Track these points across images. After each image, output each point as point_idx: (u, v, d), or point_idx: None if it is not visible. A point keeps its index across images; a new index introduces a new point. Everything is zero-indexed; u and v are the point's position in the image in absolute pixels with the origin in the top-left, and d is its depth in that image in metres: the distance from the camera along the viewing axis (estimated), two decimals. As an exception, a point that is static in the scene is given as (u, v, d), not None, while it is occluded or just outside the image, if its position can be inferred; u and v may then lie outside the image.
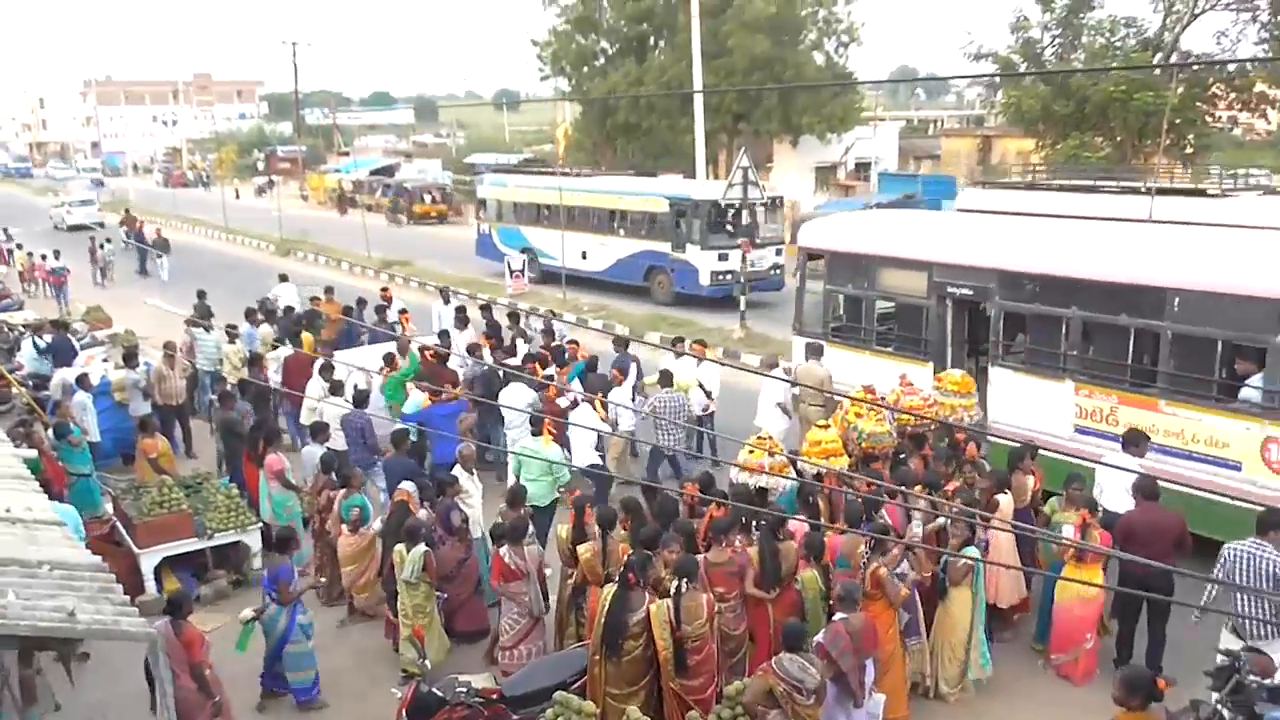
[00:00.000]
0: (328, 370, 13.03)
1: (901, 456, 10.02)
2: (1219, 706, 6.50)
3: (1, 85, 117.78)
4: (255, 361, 14.21)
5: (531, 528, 8.94)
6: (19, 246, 31.49)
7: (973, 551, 8.17)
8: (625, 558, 7.70)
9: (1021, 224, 12.67)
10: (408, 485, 9.65)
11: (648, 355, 15.32)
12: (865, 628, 7.06)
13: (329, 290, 18.94)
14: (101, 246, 30.80)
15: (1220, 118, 27.87)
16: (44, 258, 27.89)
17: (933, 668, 8.26)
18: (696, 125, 29.90)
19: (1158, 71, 25.01)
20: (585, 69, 43.62)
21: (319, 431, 11.26)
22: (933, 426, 10.53)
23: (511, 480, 10.61)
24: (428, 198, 46.32)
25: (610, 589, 7.39)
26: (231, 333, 15.61)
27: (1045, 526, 8.74)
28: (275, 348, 15.29)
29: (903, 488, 8.78)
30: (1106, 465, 9.04)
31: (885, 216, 17.11)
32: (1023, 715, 8.20)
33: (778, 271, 24.25)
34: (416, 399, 12.47)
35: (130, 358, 14.41)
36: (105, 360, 15.83)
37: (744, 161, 22.61)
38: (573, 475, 10.51)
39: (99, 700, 8.38)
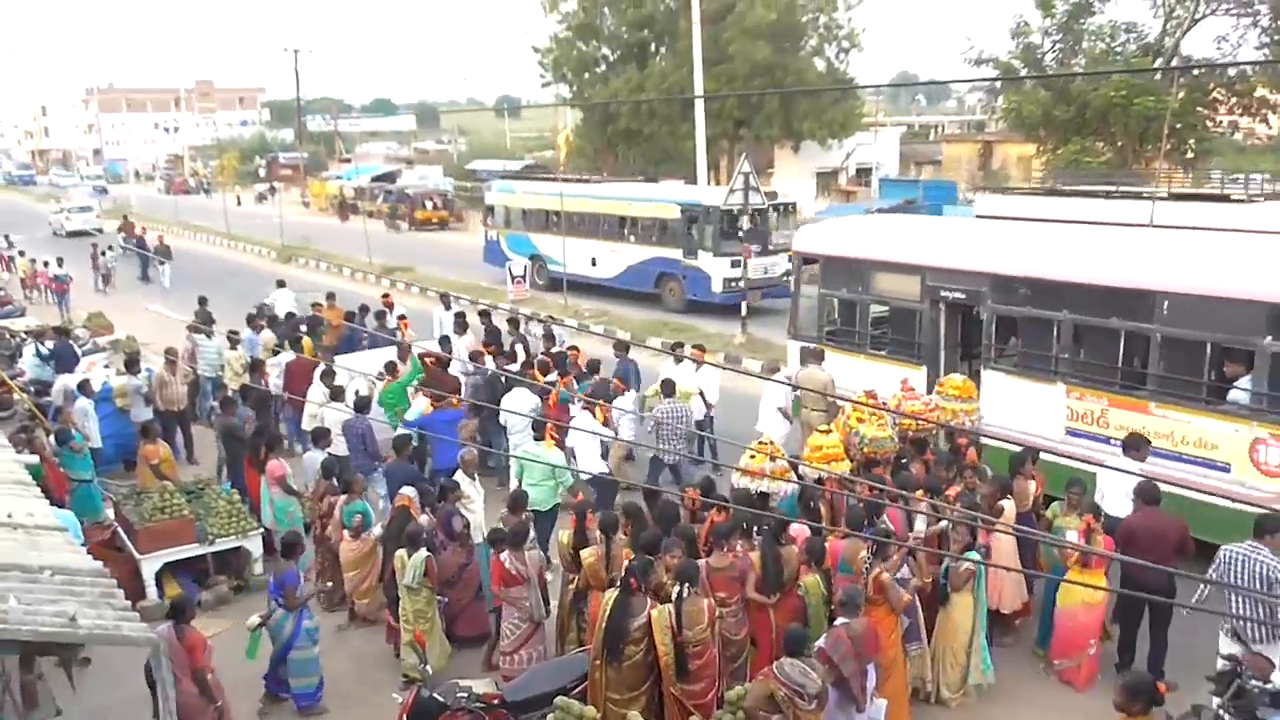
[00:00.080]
0: (329, 376, 13.04)
1: (903, 461, 10.02)
2: (1220, 711, 6.50)
3: (4, 92, 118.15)
4: (256, 367, 14.22)
5: (533, 533, 8.93)
6: (21, 253, 31.54)
7: (974, 556, 8.16)
8: (627, 563, 7.69)
9: (1015, 228, 12.74)
10: (409, 490, 9.66)
11: (648, 361, 15.33)
12: (867, 633, 7.05)
13: (330, 296, 18.97)
14: (104, 253, 30.87)
15: (1221, 123, 27.90)
16: (46, 264, 27.94)
17: (934, 673, 8.25)
18: (698, 131, 29.93)
19: (1158, 76, 25.03)
20: (586, 75, 43.74)
21: (320, 437, 11.27)
22: (934, 431, 10.54)
23: (514, 484, 10.62)
24: (429, 204, 46.34)
25: (611, 594, 7.38)
26: (233, 339, 15.64)
27: (1047, 531, 8.74)
28: (276, 353, 15.31)
29: (904, 492, 8.78)
30: (1105, 468, 9.05)
31: (879, 221, 17.19)
32: (1024, 720, 8.20)
33: (790, 278, 24.11)
34: (419, 406, 12.47)
35: (132, 364, 14.43)
36: (107, 366, 15.84)
37: (745, 167, 22.58)
38: (575, 478, 10.51)
39: (100, 705, 8.38)
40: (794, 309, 14.38)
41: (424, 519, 9.11)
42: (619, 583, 7.47)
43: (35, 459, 10.22)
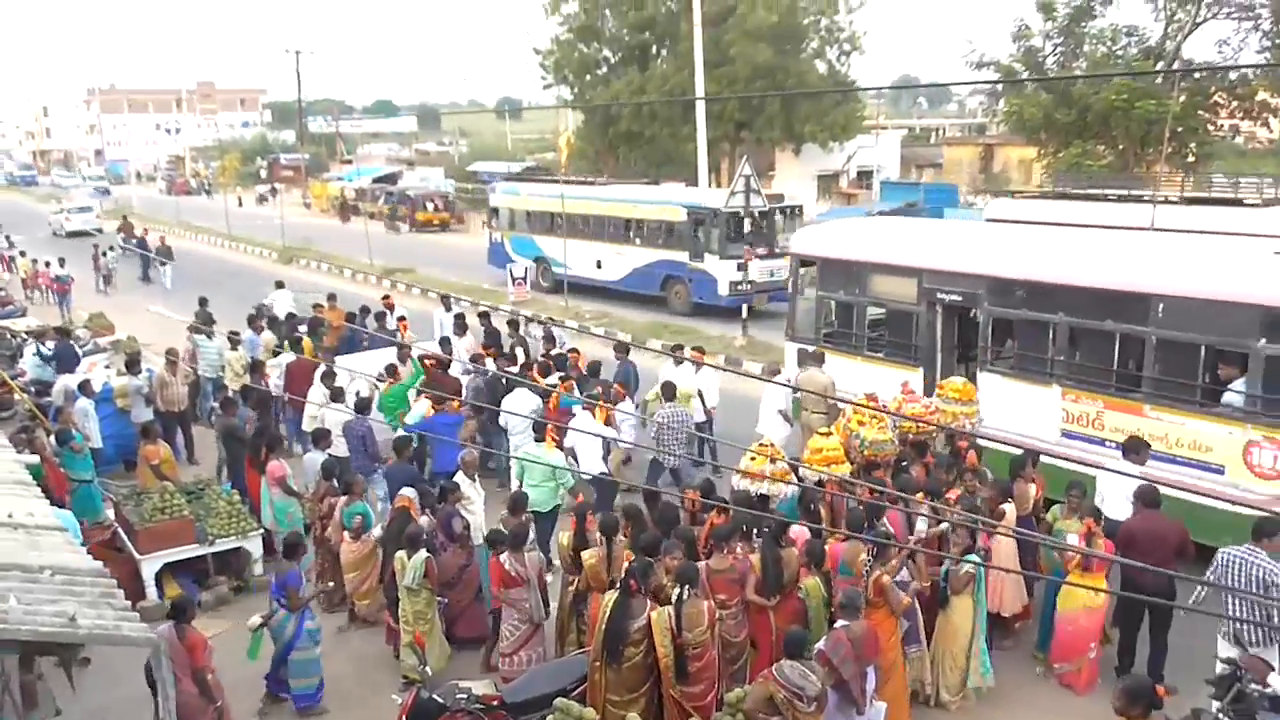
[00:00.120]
0: (329, 377, 13.05)
1: (903, 464, 10.03)
2: (1220, 715, 6.50)
3: (5, 93, 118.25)
4: (257, 368, 14.23)
5: (533, 534, 8.92)
6: (22, 253, 31.57)
7: (974, 559, 8.16)
8: (627, 564, 7.69)
9: (1011, 231, 12.78)
10: (408, 491, 9.66)
11: (648, 363, 15.33)
12: (867, 635, 7.05)
13: (332, 297, 18.99)
14: (105, 254, 30.89)
15: (1222, 126, 27.93)
16: (47, 265, 27.96)
17: (934, 676, 8.25)
18: (699, 133, 29.92)
19: (1159, 79, 25.03)
20: (588, 77, 43.76)
21: (321, 438, 11.27)
22: (934, 434, 10.55)
23: (515, 485, 10.63)
24: (430, 205, 46.37)
25: (611, 596, 7.38)
26: (233, 339, 15.65)
27: (1048, 534, 8.75)
28: (276, 354, 15.31)
29: (904, 495, 8.78)
30: (1105, 470, 9.05)
31: (876, 223, 17.26)
32: (1024, 723, 8.19)
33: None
34: (420, 409, 12.47)
35: (132, 364, 14.44)
36: (108, 367, 15.85)
37: (746, 170, 22.56)
38: (575, 480, 10.51)
39: (99, 705, 8.38)
40: (792, 311, 14.43)
41: (424, 520, 9.12)
42: (619, 584, 7.48)
43: (36, 459, 10.22)
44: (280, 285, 21.11)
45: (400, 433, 11.82)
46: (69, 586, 6.16)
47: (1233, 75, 25.44)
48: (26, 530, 7.13)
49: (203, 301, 18.93)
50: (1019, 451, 9.62)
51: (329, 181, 58.22)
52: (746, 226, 22.44)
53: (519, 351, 15.08)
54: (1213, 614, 7.63)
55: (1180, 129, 24.91)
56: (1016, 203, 15.95)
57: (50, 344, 16.51)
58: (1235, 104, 26.73)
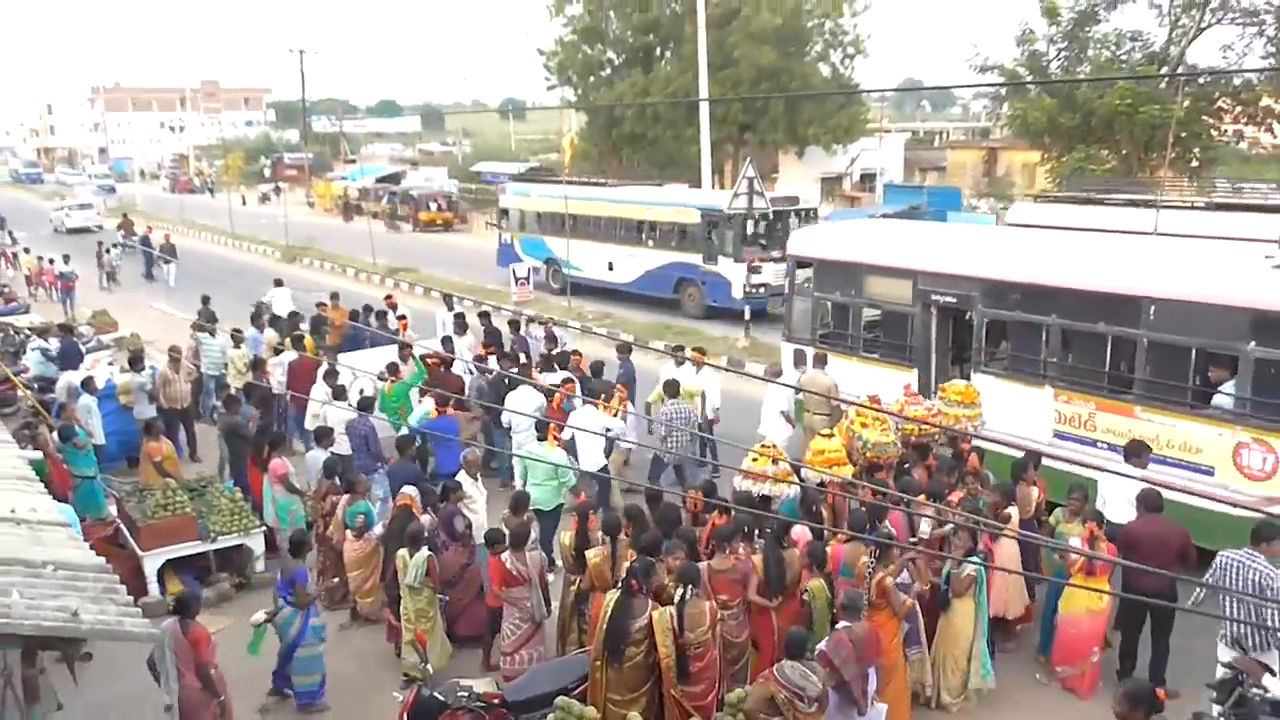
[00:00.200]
0: (332, 375, 13.06)
1: (905, 466, 10.03)
2: (1222, 719, 6.48)
3: (10, 91, 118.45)
4: (259, 366, 14.26)
5: (534, 533, 8.92)
6: (26, 250, 31.61)
7: (975, 562, 8.16)
8: (629, 564, 7.70)
9: (1006, 233, 12.83)
10: (410, 490, 9.67)
11: (650, 364, 15.34)
12: (868, 636, 7.06)
13: (334, 296, 19.01)
14: (108, 251, 30.94)
15: (1226, 131, 27.85)
16: (51, 262, 27.99)
17: (935, 678, 8.25)
18: (702, 135, 29.90)
19: (1164, 84, 24.98)
20: (591, 79, 43.77)
21: (323, 436, 11.29)
22: (936, 437, 10.56)
23: (519, 484, 10.64)
24: (433, 205, 46.39)
25: (613, 595, 7.39)
26: (236, 337, 15.67)
27: (1050, 537, 8.75)
28: (278, 352, 15.33)
29: (906, 496, 8.78)
30: (1108, 472, 9.05)
31: (872, 225, 17.33)
32: (1025, 726, 8.20)
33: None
34: (423, 409, 12.47)
35: (136, 361, 14.47)
36: (111, 364, 15.88)
37: (749, 171, 22.52)
38: (578, 479, 10.53)
39: (101, 700, 8.39)
40: (788, 312, 14.51)
41: (425, 519, 9.12)
42: (620, 584, 7.48)
43: (39, 455, 10.26)
44: (279, 283, 21.13)
45: (403, 432, 11.83)
46: (71, 582, 6.18)
47: (1237, 80, 25.36)
48: (29, 525, 7.15)
49: (205, 299, 18.96)
50: (1020, 454, 9.63)
51: (332, 181, 58.28)
52: (761, 228, 22.31)
53: (520, 354, 15.07)
54: (1212, 615, 7.63)
55: (1184, 134, 24.86)
56: (1037, 206, 15.98)
57: (54, 340, 16.54)
58: (1239, 109, 26.64)
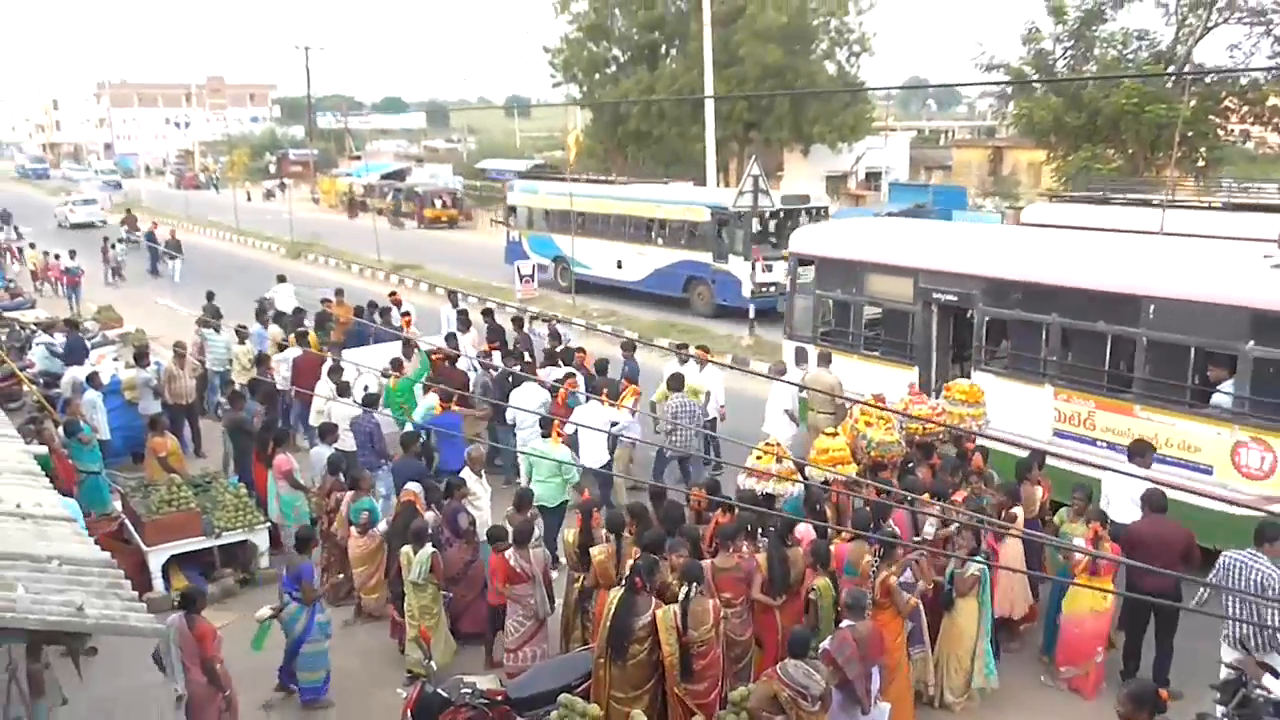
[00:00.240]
0: (336, 372, 13.07)
1: (910, 465, 10.03)
2: None
3: (16, 86, 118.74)
4: (263, 361, 14.27)
5: (539, 530, 8.92)
6: (32, 245, 31.65)
7: (979, 561, 8.15)
8: (632, 562, 7.70)
9: (1007, 232, 12.81)
10: (414, 486, 9.68)
11: (653, 362, 15.34)
12: (872, 635, 7.06)
13: (339, 292, 19.03)
14: (113, 246, 30.99)
15: (1232, 131, 27.79)
16: (57, 257, 28.04)
17: (938, 677, 8.25)
18: (707, 133, 29.86)
19: (1170, 83, 24.92)
20: (597, 76, 43.76)
21: (328, 432, 11.31)
22: (940, 436, 10.55)
23: (524, 481, 10.64)
24: (438, 202, 46.39)
25: (616, 593, 7.39)
26: (241, 333, 15.70)
27: (1054, 537, 8.74)
28: (282, 348, 15.35)
29: (911, 495, 8.78)
30: (1114, 472, 9.03)
31: (873, 224, 17.33)
32: (1028, 726, 8.19)
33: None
34: (427, 405, 12.48)
35: (141, 357, 14.49)
36: (116, 359, 15.92)
37: (755, 170, 22.44)
38: (583, 476, 10.53)
39: (106, 695, 8.41)
40: (790, 309, 14.52)
41: (430, 515, 9.13)
42: (624, 581, 7.49)
43: (44, 450, 10.28)
44: (282, 279, 21.14)
45: (407, 428, 11.85)
46: (76, 576, 6.19)
47: (1243, 80, 25.28)
48: (34, 520, 7.16)
49: (210, 295, 18.96)
50: (1024, 454, 9.62)
51: (337, 177, 58.35)
52: (772, 227, 22.18)
53: (524, 352, 15.06)
54: (1215, 615, 7.62)
55: (1190, 133, 24.80)
56: (1054, 206, 16.00)
57: (60, 336, 16.57)
58: (1246, 109, 26.58)
